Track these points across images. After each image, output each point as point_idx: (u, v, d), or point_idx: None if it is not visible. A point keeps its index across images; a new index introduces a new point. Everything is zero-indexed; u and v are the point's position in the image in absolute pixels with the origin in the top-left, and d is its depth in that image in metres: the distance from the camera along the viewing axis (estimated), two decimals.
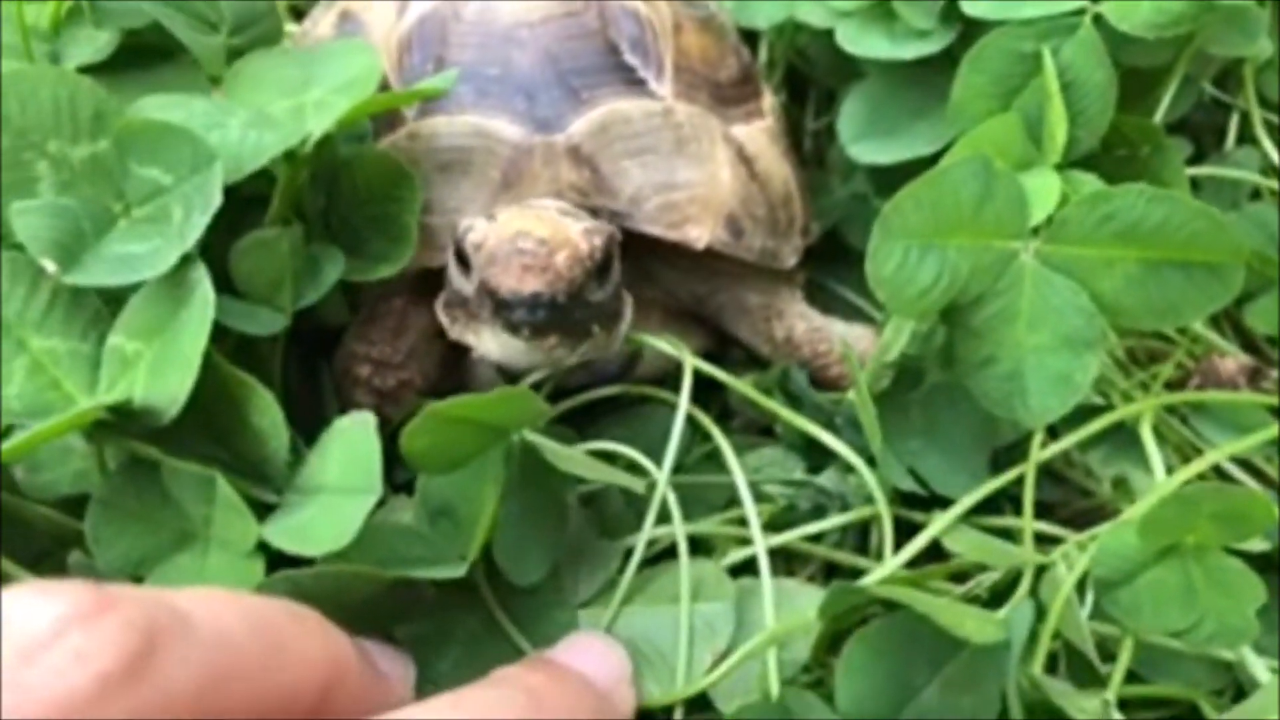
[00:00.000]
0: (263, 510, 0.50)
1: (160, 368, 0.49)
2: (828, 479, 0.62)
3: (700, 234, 0.63)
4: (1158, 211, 0.51)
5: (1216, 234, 0.51)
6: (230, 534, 0.50)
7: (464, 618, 0.53)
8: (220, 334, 0.52)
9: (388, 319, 0.62)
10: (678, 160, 0.63)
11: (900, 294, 0.53)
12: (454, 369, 0.66)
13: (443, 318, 0.58)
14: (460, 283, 0.56)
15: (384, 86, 0.63)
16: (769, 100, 0.72)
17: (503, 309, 0.52)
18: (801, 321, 0.67)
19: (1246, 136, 0.78)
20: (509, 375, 0.63)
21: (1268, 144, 0.74)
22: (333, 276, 0.57)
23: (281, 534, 0.48)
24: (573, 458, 0.54)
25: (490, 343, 0.54)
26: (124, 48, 0.58)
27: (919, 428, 0.61)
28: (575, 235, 0.54)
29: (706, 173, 0.64)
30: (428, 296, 0.63)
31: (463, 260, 0.55)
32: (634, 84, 0.64)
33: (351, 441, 0.50)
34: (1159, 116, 0.66)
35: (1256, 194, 0.78)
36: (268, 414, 0.51)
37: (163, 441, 0.49)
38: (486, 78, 0.63)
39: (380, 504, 0.49)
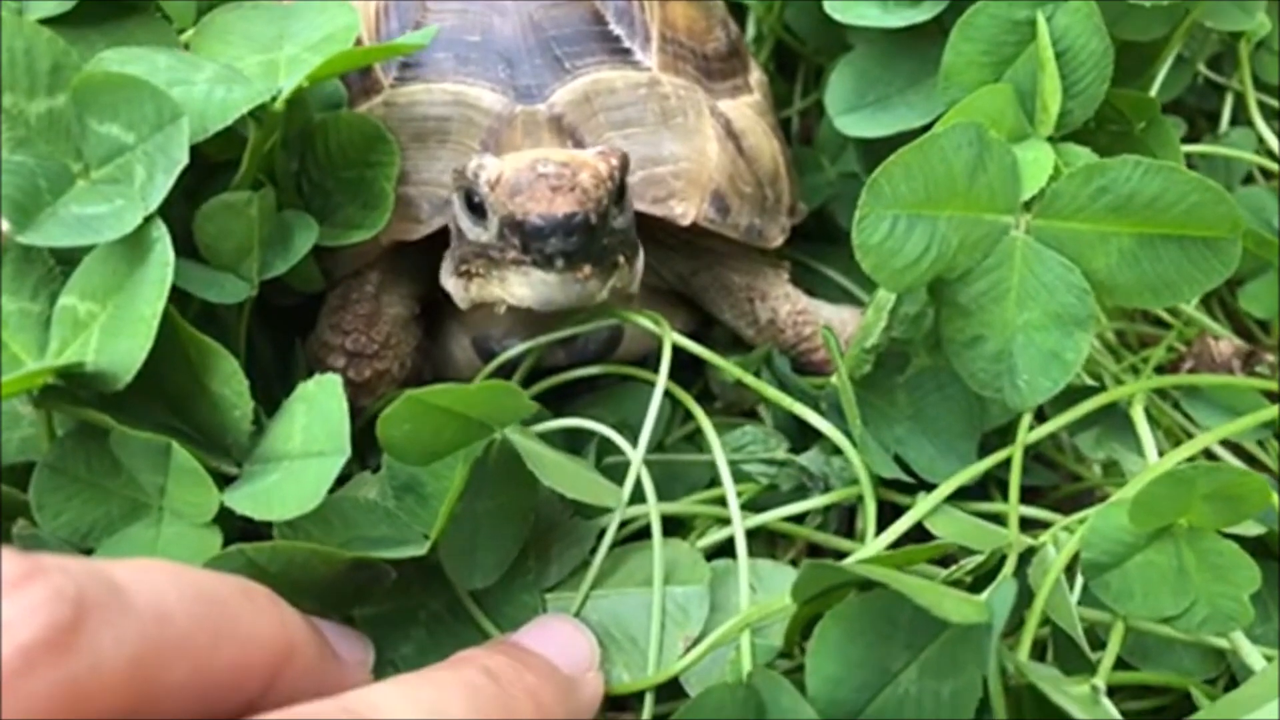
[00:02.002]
0: (222, 482, 0.47)
1: (115, 330, 0.46)
2: (810, 460, 0.59)
3: (686, 210, 0.60)
4: (1153, 184, 0.49)
5: (1215, 207, 0.48)
6: (186, 504, 0.47)
7: (427, 599, 0.51)
8: (182, 302, 0.49)
9: (361, 305, 0.59)
10: (663, 133, 0.60)
11: (886, 265, 0.50)
12: (429, 355, 0.63)
13: (453, 285, 0.55)
14: (475, 232, 0.52)
15: None
16: (756, 75, 0.69)
17: (535, 240, 0.49)
18: (786, 303, 0.65)
19: (1241, 118, 0.75)
20: (487, 356, 0.61)
21: (1262, 126, 0.72)
22: (305, 245, 0.54)
23: (242, 499, 0.45)
24: (549, 463, 0.50)
25: (521, 287, 0.51)
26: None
27: (905, 412, 0.58)
28: (592, 158, 0.51)
29: (693, 147, 0.61)
30: (403, 275, 0.60)
31: (473, 206, 0.52)
32: (619, 53, 0.61)
33: (318, 404, 0.47)
34: (1154, 92, 0.64)
35: (1249, 178, 0.76)
36: (230, 381, 0.48)
37: (116, 408, 0.46)
38: (467, 44, 0.60)
39: (345, 479, 0.46)
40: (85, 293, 0.47)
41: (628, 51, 0.61)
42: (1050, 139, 0.54)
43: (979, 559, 0.49)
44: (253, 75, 0.52)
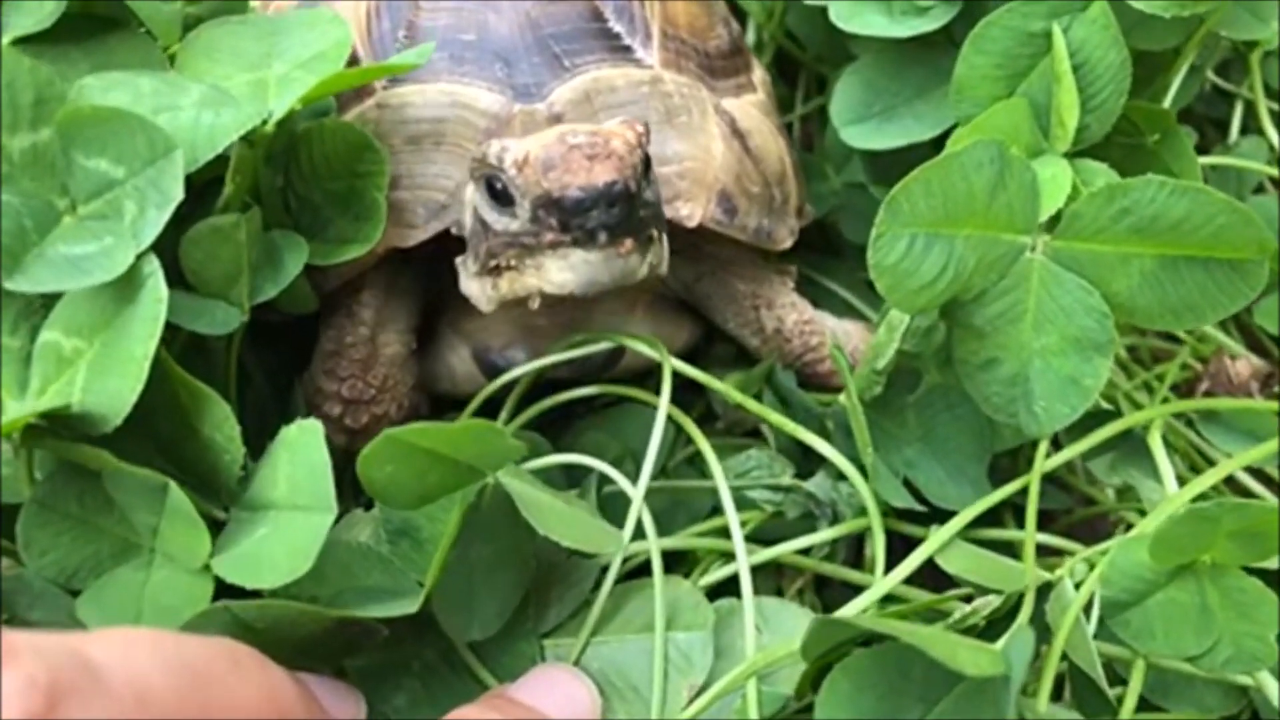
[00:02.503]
0: (210, 526, 0.44)
1: (103, 369, 0.43)
2: (817, 485, 0.57)
3: (692, 211, 0.57)
4: (1179, 205, 0.46)
5: (1244, 229, 0.46)
6: (179, 548, 0.44)
7: (420, 649, 0.48)
8: (169, 330, 0.47)
9: (356, 349, 0.57)
10: (667, 132, 0.57)
11: (901, 286, 0.48)
12: (426, 370, 0.61)
13: (476, 288, 0.52)
14: (502, 221, 0.49)
15: (352, 58, 0.57)
16: (760, 74, 0.67)
17: (576, 215, 0.46)
18: (793, 312, 0.62)
19: (1251, 127, 0.73)
20: (488, 366, 0.59)
21: (1274, 135, 0.70)
22: (295, 266, 0.51)
23: (231, 565, 0.43)
24: (546, 508, 0.47)
25: (561, 272, 0.48)
26: (70, 15, 0.52)
27: (915, 433, 0.56)
28: (616, 126, 0.48)
29: (698, 146, 0.58)
30: (399, 291, 0.58)
31: (497, 194, 0.48)
32: (619, 51, 0.58)
33: (300, 452, 0.44)
34: (1167, 103, 0.61)
35: (1259, 187, 0.74)
36: (222, 426, 0.46)
37: (104, 446, 0.44)
38: (462, 43, 0.57)
39: (339, 517, 0.43)
40: (70, 328, 0.44)
41: (628, 49, 0.59)
42: (1066, 155, 0.52)
43: (994, 602, 0.47)
44: (241, 95, 0.49)
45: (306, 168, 0.53)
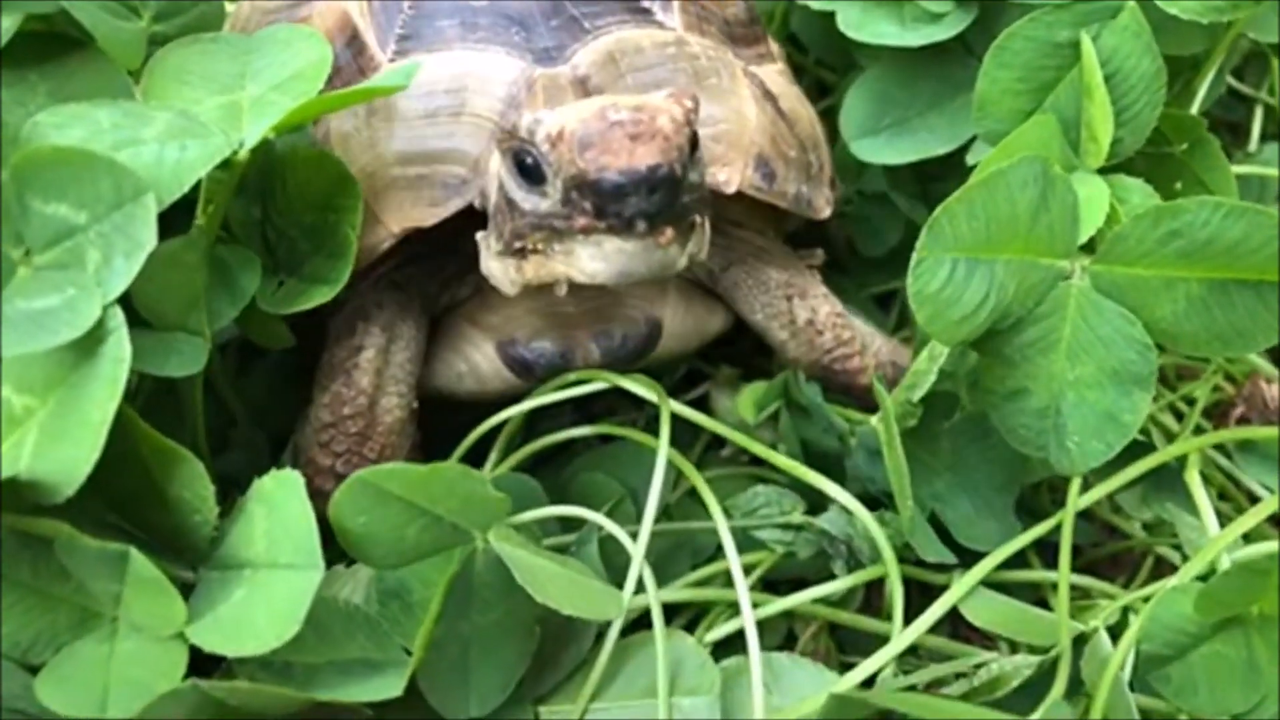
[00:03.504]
0: (180, 590, 0.40)
1: (56, 433, 0.39)
2: (829, 520, 0.53)
3: (730, 176, 0.52)
4: (1236, 228, 0.43)
5: None
6: (147, 616, 0.40)
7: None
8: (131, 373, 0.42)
9: (354, 421, 0.52)
10: (698, 94, 0.53)
11: (943, 316, 0.44)
12: (454, 380, 0.56)
13: (498, 268, 0.48)
14: (531, 200, 0.44)
15: (352, 32, 0.53)
16: (775, 46, 0.62)
17: (612, 202, 0.41)
18: (825, 303, 0.57)
19: (1271, 133, 0.70)
20: (516, 362, 0.54)
21: None
22: (251, 283, 0.47)
23: (209, 631, 0.39)
24: (541, 572, 0.43)
25: (593, 260, 0.43)
26: (27, 34, 0.47)
27: (946, 462, 0.53)
28: (663, 101, 0.43)
29: (730, 108, 0.53)
30: (406, 338, 0.53)
31: (527, 170, 0.44)
32: (639, 13, 0.54)
33: (280, 507, 0.40)
34: (1194, 109, 0.58)
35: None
36: (191, 484, 0.42)
37: (54, 509, 0.39)
38: (473, 9, 0.53)
39: None
40: (21, 383, 0.39)
41: (648, 11, 0.55)
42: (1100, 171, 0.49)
43: (1023, 666, 0.44)
44: (212, 121, 0.45)
45: (282, 200, 0.49)
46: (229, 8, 0.59)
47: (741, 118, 0.54)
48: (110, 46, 0.48)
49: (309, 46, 0.48)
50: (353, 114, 0.51)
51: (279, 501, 0.41)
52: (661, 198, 0.41)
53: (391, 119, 0.50)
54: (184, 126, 0.43)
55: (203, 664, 0.40)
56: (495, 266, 0.48)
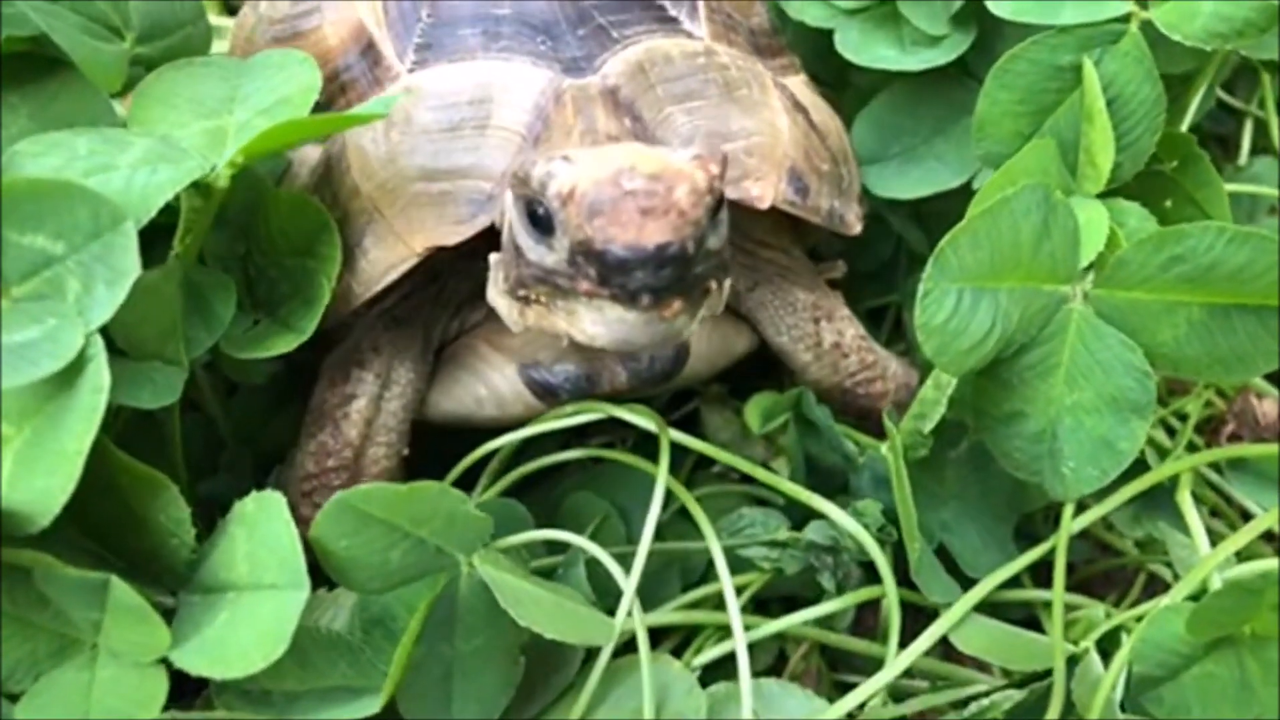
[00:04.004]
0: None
1: (31, 462, 0.37)
2: (816, 531, 0.51)
3: (763, 191, 0.50)
4: (1240, 253, 0.42)
5: None
6: (128, 643, 0.39)
7: None
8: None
9: (338, 475, 0.50)
10: (729, 106, 0.51)
11: (951, 347, 0.43)
12: (473, 406, 0.54)
13: (504, 305, 0.46)
14: (538, 251, 0.42)
15: (367, 41, 0.52)
16: (797, 59, 0.61)
17: (616, 273, 0.39)
18: (851, 326, 0.56)
19: (1261, 146, 0.69)
20: (539, 386, 0.52)
21: None
22: (226, 309, 0.46)
23: (193, 655, 0.38)
24: (528, 598, 0.42)
25: (593, 325, 0.41)
26: (8, 56, 0.46)
27: (952, 490, 0.52)
28: (688, 165, 0.40)
29: (763, 121, 0.52)
30: (402, 383, 0.52)
31: (537, 221, 0.41)
32: (667, 22, 0.53)
33: (261, 529, 0.39)
34: (1184, 126, 0.57)
35: (1271, 209, 0.70)
36: (168, 509, 0.41)
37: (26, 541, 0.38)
38: (495, 17, 0.51)
39: None
40: None
41: (675, 20, 0.53)
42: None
43: (1016, 697, 0.44)
44: (194, 146, 0.44)
45: (265, 239, 0.48)
46: (227, 21, 0.58)
47: (774, 130, 0.52)
48: (90, 69, 0.46)
49: (300, 71, 0.46)
50: (370, 127, 0.49)
51: (260, 523, 0.40)
52: (670, 274, 0.39)
53: (412, 132, 0.48)
54: (159, 153, 0.42)
55: (181, 694, 0.39)
56: (501, 303, 0.46)
